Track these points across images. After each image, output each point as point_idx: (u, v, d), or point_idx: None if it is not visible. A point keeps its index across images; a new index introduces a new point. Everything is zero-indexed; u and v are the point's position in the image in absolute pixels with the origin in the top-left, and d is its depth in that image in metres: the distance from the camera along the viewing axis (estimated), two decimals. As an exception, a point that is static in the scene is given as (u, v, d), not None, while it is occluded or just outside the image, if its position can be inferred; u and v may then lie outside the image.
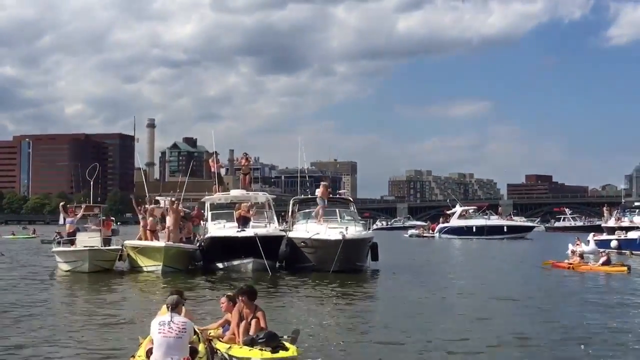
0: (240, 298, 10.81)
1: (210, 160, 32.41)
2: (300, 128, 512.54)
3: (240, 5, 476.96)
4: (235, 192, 31.52)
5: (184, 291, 10.92)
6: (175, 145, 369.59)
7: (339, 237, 25.77)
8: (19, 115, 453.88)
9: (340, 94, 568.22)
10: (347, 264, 26.06)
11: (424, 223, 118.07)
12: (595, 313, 16.50)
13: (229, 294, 11.30)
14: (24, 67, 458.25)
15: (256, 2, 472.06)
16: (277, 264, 28.38)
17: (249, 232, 26.75)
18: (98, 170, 32.07)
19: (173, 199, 29.85)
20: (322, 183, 30.44)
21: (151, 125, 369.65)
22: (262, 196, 31.81)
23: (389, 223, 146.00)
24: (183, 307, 10.10)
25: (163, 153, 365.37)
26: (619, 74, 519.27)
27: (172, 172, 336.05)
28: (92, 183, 30.79)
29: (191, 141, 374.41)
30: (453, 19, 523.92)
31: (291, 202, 31.98)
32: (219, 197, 31.40)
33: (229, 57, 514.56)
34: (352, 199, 32.59)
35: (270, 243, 26.77)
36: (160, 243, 27.08)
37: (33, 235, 59.16)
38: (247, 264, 27.00)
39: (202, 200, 32.42)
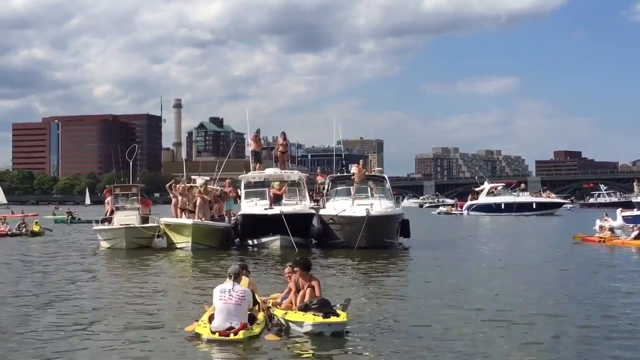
0: (295, 269, 11.36)
1: (252, 138, 32.90)
2: (327, 106, 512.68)
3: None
4: (269, 171, 31.90)
5: (246, 263, 11.50)
6: (202, 125, 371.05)
7: (364, 213, 26.11)
8: (48, 97, 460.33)
9: (366, 72, 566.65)
10: (373, 240, 26.36)
11: (451, 200, 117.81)
12: (628, 282, 16.78)
13: (290, 264, 11.82)
14: (53, 49, 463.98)
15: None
16: (311, 241, 28.91)
17: (276, 209, 27.22)
18: (136, 151, 32.91)
19: (206, 179, 30.48)
20: (356, 165, 30.57)
21: (178, 105, 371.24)
22: (295, 174, 32.24)
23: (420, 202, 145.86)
24: (245, 278, 10.69)
25: (190, 133, 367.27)
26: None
27: (199, 152, 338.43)
28: (130, 164, 31.56)
29: (218, 121, 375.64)
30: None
31: (327, 179, 32.31)
32: (253, 175, 31.79)
33: (255, 36, 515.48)
34: (386, 177, 32.71)
35: (299, 220, 27.24)
36: (189, 220, 27.83)
37: (67, 217, 60.06)
38: (274, 240, 27.55)
39: (238, 178, 32.88)
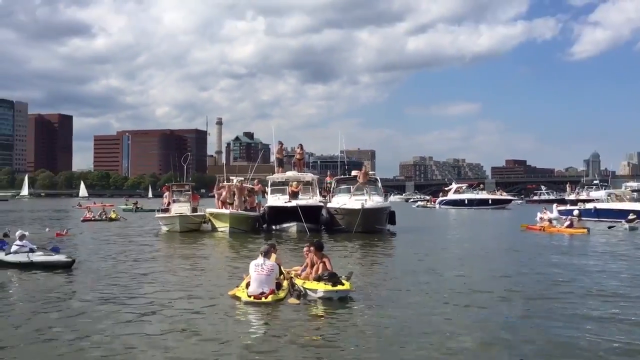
0: (311, 248, 11.37)
1: (277, 149, 32.95)
2: (333, 124, 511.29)
3: (287, 31, 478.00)
4: (289, 173, 31.97)
5: (275, 243, 11.61)
6: (237, 138, 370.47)
7: (359, 206, 26.10)
8: (121, 115, 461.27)
9: (363, 98, 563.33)
10: (367, 226, 26.30)
11: (427, 197, 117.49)
12: (564, 259, 16.70)
13: (307, 244, 11.86)
14: (125, 79, 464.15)
15: (299, 28, 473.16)
16: (320, 227, 28.96)
17: (293, 203, 27.38)
18: (188, 157, 33.19)
19: (241, 179, 30.61)
20: (361, 172, 30.30)
21: (219, 122, 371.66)
22: (309, 176, 32.30)
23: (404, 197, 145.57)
24: (273, 254, 10.74)
25: (228, 144, 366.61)
26: (580, 82, 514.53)
27: (235, 158, 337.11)
28: (185, 167, 31.74)
29: (249, 135, 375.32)
30: (450, 40, 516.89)
31: (333, 180, 32.31)
32: (277, 176, 31.90)
33: (279, 70, 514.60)
34: (378, 178, 32.68)
35: (311, 211, 27.36)
36: (227, 210, 27.87)
37: (133, 207, 60.02)
38: (292, 226, 27.62)
39: (266, 178, 32.99)
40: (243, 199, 29.11)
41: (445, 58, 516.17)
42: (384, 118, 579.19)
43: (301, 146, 33.47)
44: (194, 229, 28.63)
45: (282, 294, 10.44)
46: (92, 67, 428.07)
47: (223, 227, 27.57)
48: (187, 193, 30.90)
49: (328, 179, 34.31)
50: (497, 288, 11.79)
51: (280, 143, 33.80)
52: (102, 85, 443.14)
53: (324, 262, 11.14)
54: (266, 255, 10.65)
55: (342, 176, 34.28)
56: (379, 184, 31.40)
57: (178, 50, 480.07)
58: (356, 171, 31.42)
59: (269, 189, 31.54)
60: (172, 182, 33.07)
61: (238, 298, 10.29)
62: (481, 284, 12.34)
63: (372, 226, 26.85)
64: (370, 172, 35.04)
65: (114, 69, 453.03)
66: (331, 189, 31.59)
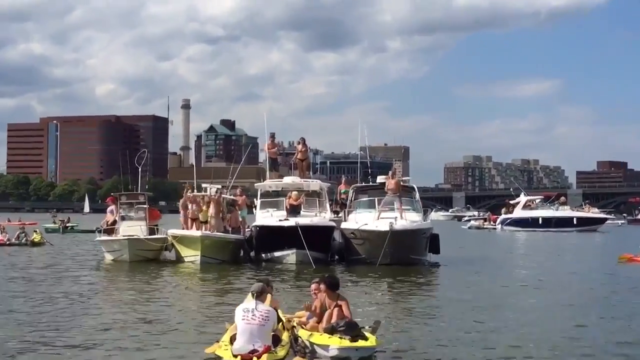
0: (321, 286, 11.37)
1: (267, 144, 33.12)
2: (348, 109, 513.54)
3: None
4: (287, 179, 32.11)
5: (270, 280, 11.54)
6: (212, 128, 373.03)
7: (386, 227, 26.23)
8: (47, 95, 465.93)
9: (392, 72, 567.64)
10: (398, 256, 26.47)
11: (483, 214, 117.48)
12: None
13: (317, 280, 11.84)
14: (53, 43, 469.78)
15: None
16: (331, 257, 29.28)
17: (291, 221, 27.48)
18: (145, 156, 33.47)
19: (218, 187, 31.00)
20: (390, 178, 30.25)
21: (186, 106, 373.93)
22: (315, 184, 32.47)
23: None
24: (268, 295, 10.72)
25: (199, 136, 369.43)
26: None
27: (209, 157, 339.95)
28: (139, 170, 31.89)
29: (229, 123, 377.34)
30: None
31: (350, 189, 32.47)
32: (269, 184, 32.07)
33: (272, 32, 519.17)
34: (414, 187, 32.76)
35: (317, 233, 27.50)
36: (197, 232, 28.14)
37: (60, 225, 59.57)
38: (289, 255, 27.83)
39: (254, 186, 33.23)
40: (221, 215, 29.31)
41: (511, 14, 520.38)
42: (422, 101, 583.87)
43: (304, 141, 33.60)
44: (150, 258, 28.86)
45: (281, 352, 10.40)
46: (6, 27, 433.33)
47: (192, 255, 27.76)
48: (141, 207, 31.11)
49: (342, 188, 34.41)
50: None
51: (273, 136, 33.89)
52: (20, 51, 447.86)
53: (340, 307, 11.11)
54: (259, 296, 10.53)
55: (362, 184, 34.42)
56: (416, 195, 31.49)
57: (127, 3, 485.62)
58: (383, 177, 31.49)
59: (257, 202, 31.73)
60: (119, 190, 33.31)
61: (219, 358, 10.28)
62: (569, 351, 11.95)
63: (406, 256, 26.95)
64: (404, 178, 35.08)
65: (37, 29, 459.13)
66: (347, 202, 31.76)
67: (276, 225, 27.90)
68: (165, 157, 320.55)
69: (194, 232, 28.33)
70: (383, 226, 26.59)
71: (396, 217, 27.22)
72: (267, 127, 33.79)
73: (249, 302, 10.54)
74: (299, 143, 33.92)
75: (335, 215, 31.44)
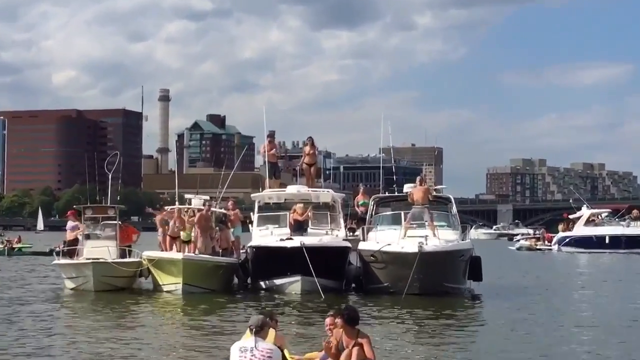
0: (337, 321, 11.34)
1: (265, 145, 33.10)
2: (367, 101, 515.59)
3: None
4: (292, 189, 32.12)
5: (273, 312, 11.49)
6: (197, 126, 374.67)
7: (415, 249, 26.19)
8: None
9: (421, 55, 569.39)
10: (430, 284, 26.53)
11: (535, 230, 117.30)
12: None
13: (332, 313, 11.82)
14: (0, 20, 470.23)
15: None
16: (346, 286, 29.51)
17: (296, 240, 27.57)
18: (117, 160, 33.56)
19: (205, 198, 31.21)
20: (418, 187, 29.95)
21: (165, 98, 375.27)
22: (326, 194, 32.54)
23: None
24: (271, 331, 10.71)
25: (180, 136, 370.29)
26: None
27: (193, 162, 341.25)
28: (110, 177, 31.98)
29: (218, 120, 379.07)
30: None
31: (371, 201, 32.48)
32: (270, 194, 32.16)
33: (271, 6, 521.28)
34: (451, 198, 32.69)
35: (328, 256, 27.63)
36: (178, 254, 28.21)
37: (5, 246, 59.11)
38: (293, 283, 28.01)
39: (251, 197, 33.35)
40: (209, 233, 29.42)
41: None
42: (458, 91, 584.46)
43: (312, 141, 33.56)
44: (121, 287, 28.99)
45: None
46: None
47: (172, 283, 27.93)
48: (110, 223, 31.23)
49: (360, 199, 34.41)
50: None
51: (272, 135, 33.86)
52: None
53: (360, 346, 11.10)
54: (259, 332, 10.49)
55: (385, 194, 34.50)
56: (453, 208, 31.54)
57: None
58: (410, 185, 31.43)
59: (254, 217, 31.87)
60: (81, 202, 33.38)
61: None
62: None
63: (439, 284, 27.02)
64: (437, 187, 34.99)
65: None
66: (367, 217, 31.84)
67: (277, 245, 27.97)
68: (138, 161, 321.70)
69: (175, 255, 28.38)
70: (410, 247, 26.53)
71: (427, 236, 27.14)
72: (265, 124, 33.83)
73: (247, 339, 10.51)
74: (305, 144, 34.00)
75: (351, 234, 31.45)
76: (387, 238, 28.32)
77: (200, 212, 29.26)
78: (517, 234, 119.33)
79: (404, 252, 26.69)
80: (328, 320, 11.88)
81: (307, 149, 33.68)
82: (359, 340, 11.19)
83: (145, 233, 46.16)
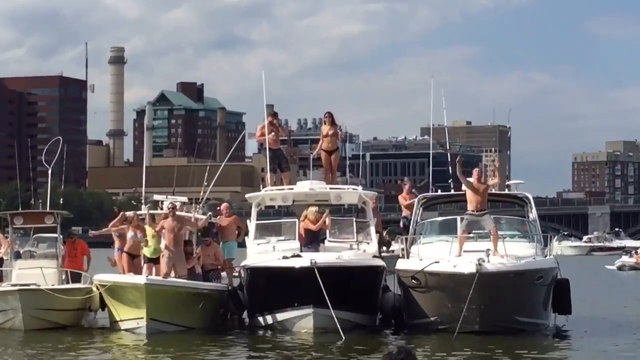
0: None
1: (262, 125, 32.86)
2: (401, 63, 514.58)
3: None
4: (303, 186, 32.09)
5: (293, 356, 11.61)
6: (163, 98, 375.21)
7: (472, 268, 26.12)
8: None
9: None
10: (494, 318, 26.64)
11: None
12: None
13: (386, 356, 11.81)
14: None
15: None
16: (379, 320, 29.71)
17: (305, 258, 27.44)
18: (59, 148, 33.57)
19: (182, 201, 31.49)
20: (476, 179, 29.60)
21: (118, 60, 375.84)
22: (350, 193, 32.47)
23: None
24: None
25: (141, 113, 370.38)
26: None
27: (159, 148, 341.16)
28: (49, 172, 32.07)
29: (193, 90, 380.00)
30: None
31: (416, 201, 32.28)
32: (271, 194, 32.04)
33: None
34: (529, 197, 32.48)
35: (351, 279, 27.62)
36: (139, 278, 28.25)
37: None
38: (301, 317, 28.02)
39: (246, 197, 33.34)
40: (182, 248, 29.51)
41: None
42: (533, 47, 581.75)
43: (332, 118, 33.25)
44: (63, 325, 29.07)
45: None
46: None
47: (133, 319, 28.04)
48: (48, 236, 31.48)
49: (405, 199, 34.12)
50: None
51: (274, 113, 33.55)
52: None
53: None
54: None
55: (435, 192, 34.45)
56: (531, 212, 31.49)
57: None
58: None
59: (251, 225, 31.84)
60: (7, 207, 33.48)
61: None
62: None
63: (507, 317, 27.14)
64: (511, 182, 34.52)
65: None
66: (411, 223, 31.88)
67: (279, 265, 27.94)
68: (81, 149, 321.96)
69: (134, 278, 28.46)
70: (465, 265, 26.48)
71: (488, 251, 26.99)
72: (265, 96, 33.60)
73: None
74: (324, 122, 33.68)
75: (386, 249, 31.38)
76: (435, 253, 28.17)
77: (165, 218, 29.29)
78: (617, 248, 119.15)
79: (457, 272, 26.52)
80: None
81: (326, 129, 33.11)
82: None
83: (96, 250, 46.45)
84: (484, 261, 25.97)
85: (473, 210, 28.49)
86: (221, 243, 31.35)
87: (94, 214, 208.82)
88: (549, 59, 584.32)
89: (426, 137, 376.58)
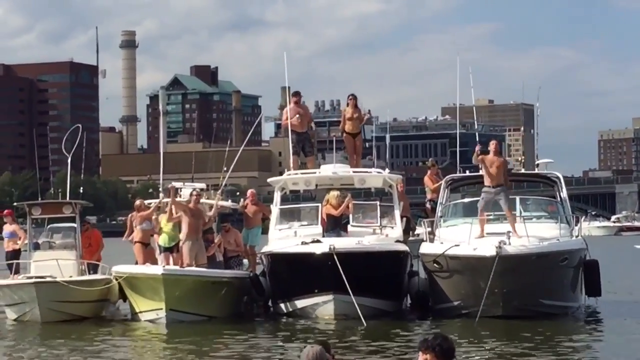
0: (425, 356, 11.38)
1: (290, 108, 32.80)
2: (422, 41, 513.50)
3: None
4: (327, 169, 32.05)
5: (328, 342, 11.58)
6: (177, 82, 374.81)
7: (492, 251, 26.06)
8: None
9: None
10: (518, 302, 26.72)
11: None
12: None
13: (422, 347, 11.79)
14: None
15: None
16: (406, 306, 30.02)
17: (324, 244, 27.46)
18: (80, 137, 33.56)
19: (201, 187, 31.48)
20: (493, 155, 29.40)
21: (130, 44, 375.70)
22: (375, 177, 32.52)
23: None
24: None
25: (154, 98, 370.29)
26: None
27: (173, 134, 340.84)
28: (69, 162, 32.10)
29: (208, 73, 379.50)
30: None
31: (443, 183, 32.16)
32: (294, 179, 32.04)
33: None
34: (559, 177, 32.36)
35: (373, 265, 27.68)
36: (155, 268, 28.32)
37: None
38: (322, 304, 28.16)
39: (268, 182, 33.30)
40: (201, 235, 29.45)
41: None
42: (557, 22, 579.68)
43: (355, 101, 33.18)
44: (82, 317, 29.23)
45: None
46: None
47: (152, 310, 28.22)
48: (63, 226, 31.57)
49: (430, 180, 33.96)
50: None
51: (299, 95, 33.46)
52: None
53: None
54: None
55: (462, 174, 33.93)
56: (562, 192, 31.42)
57: None
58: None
59: (274, 211, 31.95)
60: (16, 196, 33.54)
61: None
62: None
63: (532, 301, 27.26)
64: (542, 161, 34.26)
65: None
66: (437, 206, 31.76)
67: (297, 252, 28.10)
68: (94, 136, 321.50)
69: (151, 269, 28.56)
70: (485, 249, 26.44)
71: (509, 232, 26.99)
72: (286, 79, 33.45)
73: None
74: (348, 104, 33.37)
75: (412, 234, 31.34)
76: (458, 236, 28.15)
77: (185, 203, 29.17)
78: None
79: (477, 255, 26.54)
80: (424, 357, 11.84)
81: (349, 111, 33.05)
82: None
83: (112, 240, 46.47)
84: (505, 243, 25.99)
85: (489, 186, 28.41)
86: (244, 229, 31.39)
87: (108, 202, 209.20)
88: (574, 34, 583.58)
89: (447, 117, 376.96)
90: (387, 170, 33.37)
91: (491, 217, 28.52)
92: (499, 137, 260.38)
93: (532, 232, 27.37)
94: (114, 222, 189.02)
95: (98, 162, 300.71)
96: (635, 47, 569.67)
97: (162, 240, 29.14)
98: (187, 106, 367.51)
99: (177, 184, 32.00)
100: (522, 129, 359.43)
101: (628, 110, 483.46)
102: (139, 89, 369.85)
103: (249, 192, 33.07)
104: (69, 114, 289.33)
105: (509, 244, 26.09)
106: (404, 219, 31.38)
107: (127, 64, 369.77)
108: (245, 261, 31.24)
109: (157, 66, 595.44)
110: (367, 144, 39.31)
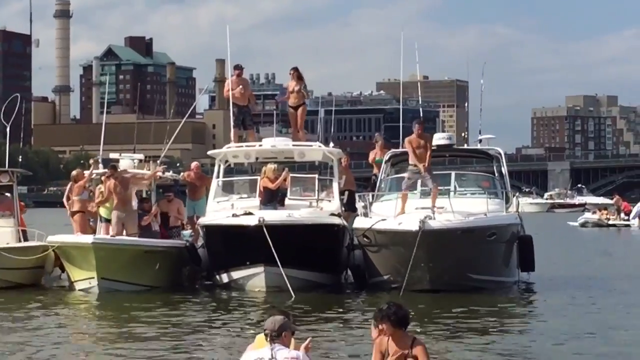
0: (383, 326, 11.54)
1: (229, 81, 32.90)
2: (358, 15, 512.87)
3: None
4: (267, 142, 32.17)
5: (290, 312, 11.69)
6: (111, 53, 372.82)
7: (415, 225, 26.27)
8: None
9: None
10: (446, 276, 26.96)
11: (606, 200, 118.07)
12: None
13: (377, 314, 11.91)
14: None
15: None
16: (343, 278, 30.37)
17: (256, 215, 27.57)
18: (19, 104, 33.37)
19: (139, 158, 31.55)
20: (415, 137, 29.66)
21: (64, 13, 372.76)
22: (314, 150, 32.59)
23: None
24: (292, 338, 10.99)
25: (87, 68, 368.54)
26: None
27: (108, 104, 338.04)
28: (8, 129, 31.92)
29: (142, 44, 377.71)
30: None
31: (384, 159, 32.37)
32: (234, 151, 32.26)
33: None
34: (500, 153, 32.69)
35: (304, 238, 27.83)
36: (86, 237, 28.33)
37: None
38: (253, 276, 28.37)
39: (210, 155, 33.34)
40: (133, 204, 29.68)
41: None
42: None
43: (298, 74, 33.24)
44: (22, 284, 29.37)
45: None
46: None
47: (84, 279, 28.30)
48: (2, 196, 31.48)
49: (377, 155, 34.07)
50: None
51: (240, 68, 33.52)
52: None
53: (415, 358, 11.34)
54: (276, 338, 10.72)
55: (403, 149, 34.11)
56: (502, 168, 31.87)
57: None
58: (443, 134, 31.23)
59: (214, 183, 32.02)
60: None
61: None
62: None
63: (460, 275, 27.51)
64: (485, 136, 34.49)
65: None
66: (378, 180, 32.02)
67: (229, 223, 28.32)
68: (26, 105, 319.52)
69: (82, 238, 28.60)
70: (409, 223, 26.66)
71: (435, 208, 27.31)
72: (229, 51, 33.49)
73: (261, 348, 10.79)
74: (291, 76, 33.42)
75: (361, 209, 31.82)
76: (389, 211, 28.43)
77: (110, 175, 28.97)
78: (578, 205, 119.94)
79: (401, 230, 26.79)
80: (374, 334, 11.97)
81: (293, 84, 33.24)
82: (414, 349, 11.32)
83: (44, 210, 46.16)
84: (430, 218, 26.35)
85: (415, 165, 28.54)
86: (188, 201, 31.67)
87: (39, 172, 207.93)
88: (511, 11, 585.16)
89: (382, 92, 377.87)
90: (331, 144, 33.41)
91: (426, 191, 28.68)
92: (433, 113, 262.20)
93: (464, 208, 27.81)
94: (45, 192, 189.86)
95: (30, 131, 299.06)
96: (571, 25, 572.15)
97: (102, 211, 29.41)
98: (121, 77, 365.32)
99: (114, 155, 32.06)
100: (442, 109, 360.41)
101: (562, 88, 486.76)
102: (72, 59, 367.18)
103: (194, 164, 33.21)
104: (1, 83, 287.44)
105: (434, 219, 26.44)
106: (347, 192, 31.68)
107: (60, 33, 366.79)
108: (186, 232, 31.21)
109: (91, 36, 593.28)
110: (321, 121, 39.43)
